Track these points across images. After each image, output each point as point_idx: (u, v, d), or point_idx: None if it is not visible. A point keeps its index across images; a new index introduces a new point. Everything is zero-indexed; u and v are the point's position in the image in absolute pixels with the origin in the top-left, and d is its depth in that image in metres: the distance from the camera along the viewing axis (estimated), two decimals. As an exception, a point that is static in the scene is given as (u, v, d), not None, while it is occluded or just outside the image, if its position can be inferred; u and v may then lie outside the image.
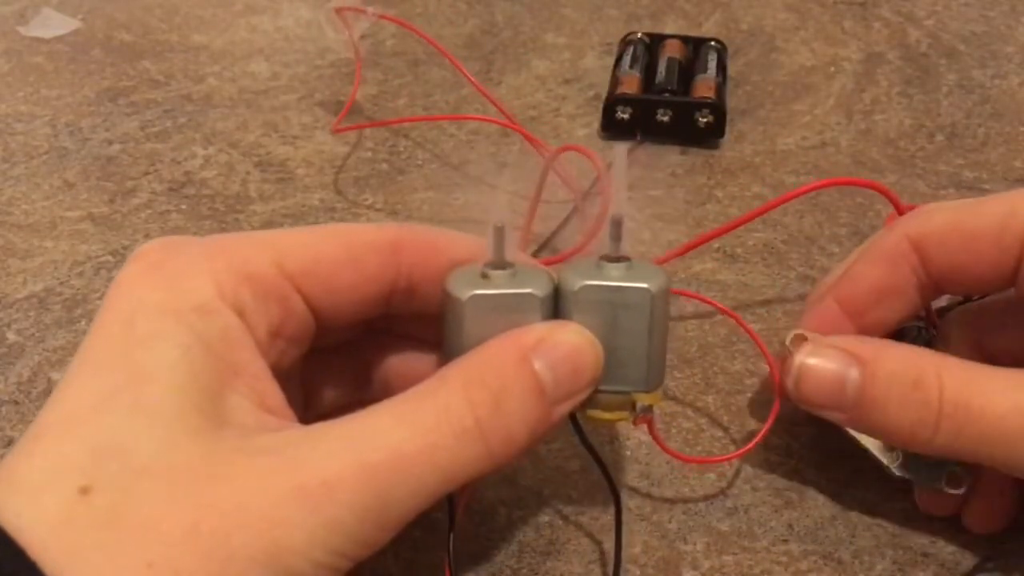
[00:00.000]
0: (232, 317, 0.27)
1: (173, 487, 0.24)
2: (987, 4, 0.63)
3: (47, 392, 0.39)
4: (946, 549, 0.34)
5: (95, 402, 0.25)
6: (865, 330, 0.34)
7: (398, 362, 0.33)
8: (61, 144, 0.51)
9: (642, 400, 0.29)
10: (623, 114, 0.51)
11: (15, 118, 0.53)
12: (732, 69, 0.56)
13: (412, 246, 0.30)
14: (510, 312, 0.28)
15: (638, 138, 0.51)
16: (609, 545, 0.34)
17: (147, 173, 0.50)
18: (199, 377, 0.25)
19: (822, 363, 0.31)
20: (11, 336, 0.41)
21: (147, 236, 0.46)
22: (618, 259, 0.29)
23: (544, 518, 0.34)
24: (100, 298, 0.43)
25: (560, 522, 0.34)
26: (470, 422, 0.26)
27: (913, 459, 0.33)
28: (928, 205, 0.34)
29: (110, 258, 0.45)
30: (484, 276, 0.28)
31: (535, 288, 0.28)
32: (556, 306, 0.29)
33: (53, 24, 0.60)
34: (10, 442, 0.37)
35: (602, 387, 0.29)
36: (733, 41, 0.58)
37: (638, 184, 0.49)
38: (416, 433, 0.25)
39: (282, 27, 0.61)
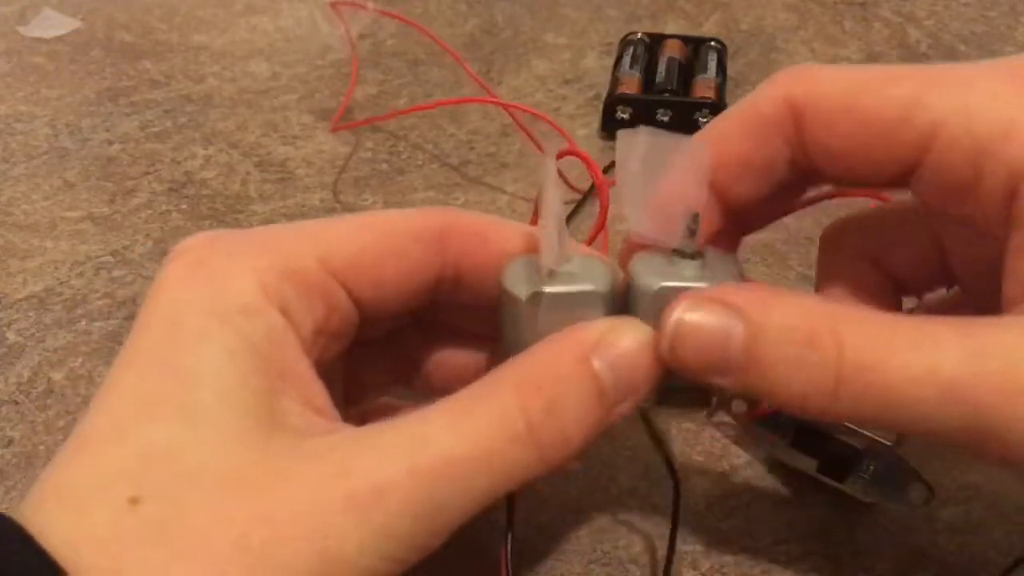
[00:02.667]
0: (277, 317, 0.26)
1: (224, 496, 0.23)
2: (987, 4, 0.63)
3: (47, 392, 0.39)
4: (946, 549, 0.34)
5: (142, 407, 0.24)
6: (729, 206, 0.30)
7: (442, 355, 0.32)
8: (61, 144, 0.51)
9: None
10: (623, 114, 0.51)
11: (15, 118, 0.53)
12: (732, 69, 0.56)
13: (458, 235, 0.29)
14: (571, 309, 0.27)
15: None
16: (608, 546, 0.34)
17: (147, 173, 0.50)
18: (247, 380, 0.25)
19: (701, 319, 0.26)
20: (11, 336, 0.41)
21: (147, 236, 0.46)
22: (692, 255, 0.27)
23: (545, 518, 0.34)
24: (100, 298, 0.43)
25: (560, 522, 0.34)
26: (522, 427, 0.25)
27: (872, 479, 0.33)
28: (814, 66, 0.29)
29: (110, 258, 0.45)
30: (542, 271, 0.27)
31: (597, 284, 0.27)
32: (621, 301, 0.28)
33: (53, 24, 0.60)
34: (10, 442, 0.37)
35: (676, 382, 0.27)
36: (733, 41, 0.58)
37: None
38: (469, 438, 0.25)
39: (282, 27, 0.61)
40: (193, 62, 0.58)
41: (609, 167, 0.50)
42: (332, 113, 0.53)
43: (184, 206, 0.48)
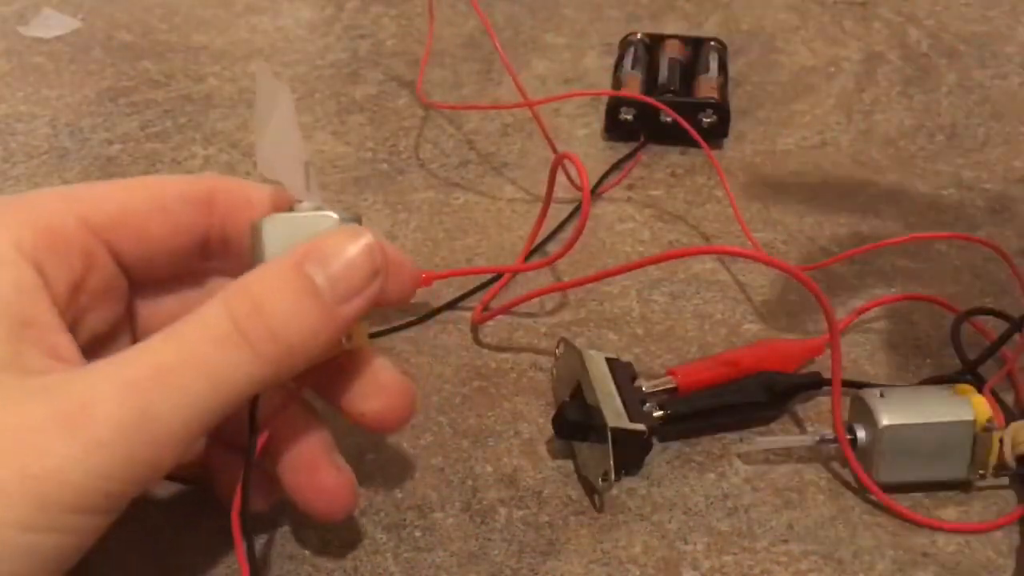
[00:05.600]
0: (27, 270, 0.27)
1: None
2: (987, 4, 0.63)
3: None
4: (946, 549, 0.34)
5: None
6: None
7: None
8: (61, 144, 0.51)
9: None
10: (627, 115, 0.51)
11: (15, 118, 0.53)
12: (732, 69, 0.56)
13: (225, 198, 0.30)
14: (307, 235, 0.28)
15: (642, 139, 0.51)
16: (609, 545, 0.34)
17: (147, 173, 0.50)
18: None
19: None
20: (11, 336, 0.41)
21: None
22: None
23: (544, 518, 0.34)
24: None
25: (560, 522, 0.34)
26: (227, 328, 0.26)
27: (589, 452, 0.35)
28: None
29: (110, 258, 0.45)
30: (289, 210, 0.29)
31: (335, 212, 0.29)
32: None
33: (53, 24, 0.60)
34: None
35: None
36: (733, 41, 0.58)
37: (638, 184, 0.50)
38: (177, 346, 0.26)
39: (282, 27, 0.61)
40: (193, 62, 0.58)
41: (612, 168, 0.50)
42: (333, 112, 0.53)
43: (184, 206, 0.48)
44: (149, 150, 0.51)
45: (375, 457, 0.36)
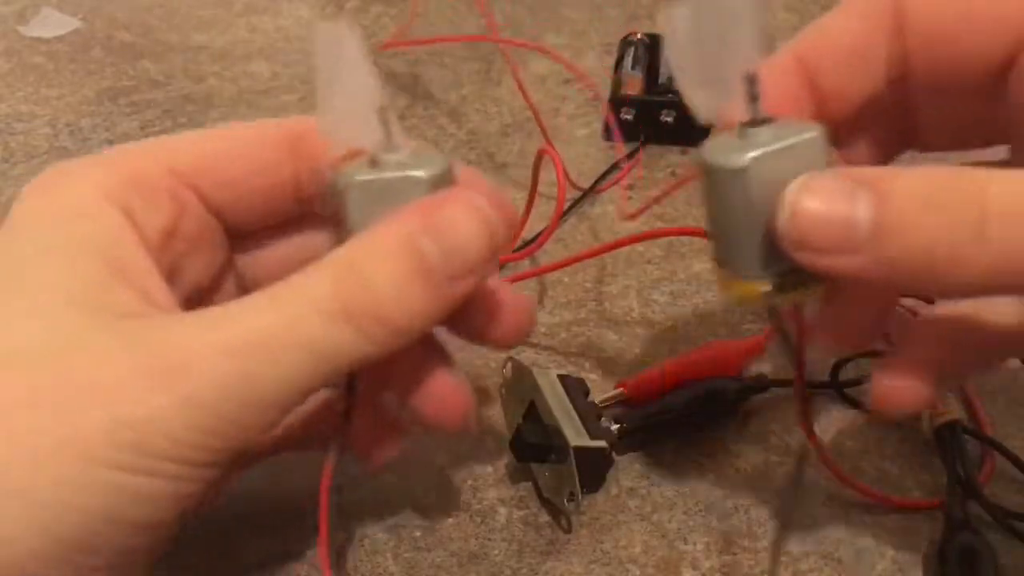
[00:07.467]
0: (116, 216, 0.27)
1: (30, 370, 0.25)
2: (987, 4, 0.63)
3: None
4: (946, 549, 0.34)
5: None
6: (822, 101, 0.29)
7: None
8: (61, 144, 0.51)
9: (740, 290, 0.26)
10: (627, 115, 0.51)
11: (15, 118, 0.53)
12: (732, 69, 0.56)
13: (310, 139, 0.30)
14: (397, 197, 0.26)
15: (642, 139, 0.51)
16: (609, 545, 0.34)
17: (147, 173, 0.50)
18: (76, 272, 0.26)
19: (822, 192, 0.24)
20: (11, 336, 0.41)
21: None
22: (763, 121, 0.25)
23: (544, 518, 0.34)
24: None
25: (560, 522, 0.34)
26: (333, 304, 0.25)
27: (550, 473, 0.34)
28: None
29: (110, 258, 0.45)
30: (373, 163, 0.27)
31: (424, 170, 0.26)
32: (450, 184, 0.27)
33: (53, 24, 0.60)
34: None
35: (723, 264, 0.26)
36: (733, 41, 0.58)
37: (638, 184, 0.49)
38: (282, 315, 0.25)
39: (282, 27, 0.61)
40: (193, 62, 0.58)
41: (612, 168, 0.50)
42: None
43: (184, 206, 0.48)
44: (149, 150, 0.51)
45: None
